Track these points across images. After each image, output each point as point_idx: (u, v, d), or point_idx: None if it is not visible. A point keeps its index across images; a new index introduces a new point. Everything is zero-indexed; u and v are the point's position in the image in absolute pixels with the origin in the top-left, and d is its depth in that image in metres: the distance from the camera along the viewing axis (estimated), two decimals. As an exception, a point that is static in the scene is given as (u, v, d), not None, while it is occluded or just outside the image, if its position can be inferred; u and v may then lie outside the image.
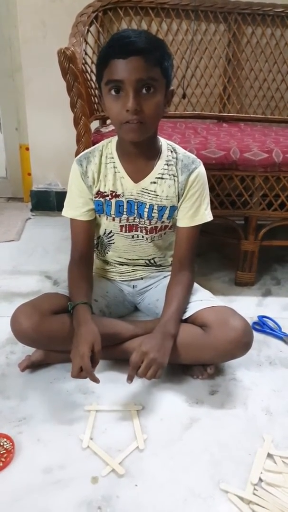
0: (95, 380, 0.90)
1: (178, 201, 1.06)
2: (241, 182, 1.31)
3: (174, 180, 1.04)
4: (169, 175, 1.04)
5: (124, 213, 1.06)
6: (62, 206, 2.21)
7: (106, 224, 1.09)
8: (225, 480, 0.81)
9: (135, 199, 1.04)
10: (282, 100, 1.78)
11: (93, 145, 1.27)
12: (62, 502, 0.76)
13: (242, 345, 0.99)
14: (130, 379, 0.92)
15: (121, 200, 1.05)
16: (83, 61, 1.42)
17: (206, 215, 1.08)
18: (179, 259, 1.09)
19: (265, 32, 1.71)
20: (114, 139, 1.04)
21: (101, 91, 0.92)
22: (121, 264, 1.18)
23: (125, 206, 1.05)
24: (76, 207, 1.06)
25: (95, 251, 1.18)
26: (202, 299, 1.08)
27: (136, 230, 1.09)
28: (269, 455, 0.86)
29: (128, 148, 0.99)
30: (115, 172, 1.03)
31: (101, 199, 1.05)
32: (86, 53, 1.50)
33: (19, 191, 2.12)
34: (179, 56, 1.70)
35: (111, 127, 1.48)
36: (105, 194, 1.04)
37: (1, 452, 0.83)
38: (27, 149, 1.97)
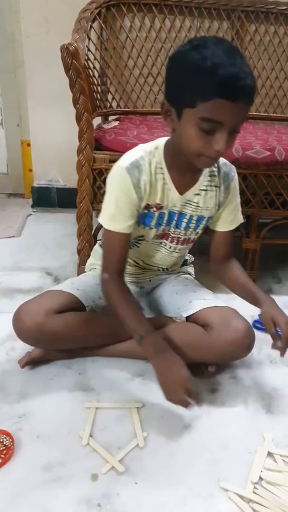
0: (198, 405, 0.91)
1: (217, 211, 1.05)
2: (243, 180, 1.30)
3: (216, 191, 1.01)
4: (212, 186, 1.01)
5: (164, 224, 1.02)
6: (63, 202, 2.20)
7: (141, 231, 1.03)
8: (225, 478, 0.81)
9: (178, 210, 1.01)
10: (285, 98, 1.78)
11: (95, 141, 1.27)
12: (62, 499, 0.76)
13: (243, 347, 0.99)
14: (283, 352, 0.92)
15: (164, 212, 0.99)
16: (86, 57, 1.41)
17: (241, 217, 1.09)
18: (225, 257, 1.10)
19: (268, 30, 1.70)
20: (160, 146, 0.95)
21: (182, 113, 0.83)
22: (135, 266, 1.16)
23: (165, 218, 1.01)
24: (124, 220, 0.94)
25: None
26: (205, 298, 1.08)
27: (166, 239, 1.06)
28: (269, 454, 0.86)
29: (182, 162, 0.91)
30: (163, 184, 0.96)
31: (145, 210, 0.98)
32: (89, 49, 1.50)
33: (20, 187, 2.11)
34: (181, 53, 1.69)
35: (114, 124, 1.47)
36: (150, 206, 0.97)
37: (1, 449, 0.83)
38: (29, 145, 1.96)
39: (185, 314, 1.06)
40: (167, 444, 0.87)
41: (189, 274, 1.23)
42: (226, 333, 0.98)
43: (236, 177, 1.04)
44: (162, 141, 0.96)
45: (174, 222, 1.02)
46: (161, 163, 0.95)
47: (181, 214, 1.01)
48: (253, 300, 1.02)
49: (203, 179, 0.99)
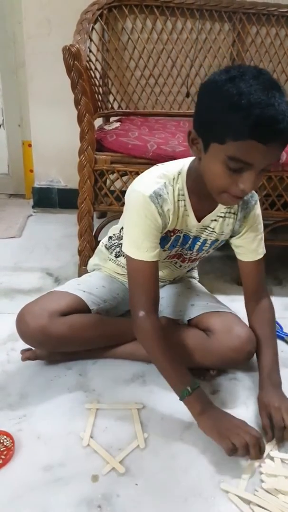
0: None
1: (232, 236, 1.02)
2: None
3: (234, 218, 0.98)
4: (230, 213, 0.97)
5: (178, 246, 1.00)
6: (64, 203, 2.20)
7: None
8: (225, 480, 0.81)
9: (193, 235, 0.99)
10: (286, 100, 1.78)
11: (97, 142, 1.27)
12: (62, 500, 0.76)
13: (244, 353, 1.00)
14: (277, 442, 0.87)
15: (179, 235, 0.97)
16: (88, 59, 1.42)
17: (263, 248, 1.03)
18: (254, 292, 1.04)
19: (270, 32, 1.70)
20: (184, 171, 0.91)
21: (209, 146, 0.78)
22: None
23: (180, 240, 0.99)
24: (151, 247, 0.89)
25: (110, 252, 1.13)
26: (207, 302, 1.08)
27: (178, 258, 1.05)
28: (270, 456, 0.85)
29: (204, 189, 0.85)
30: (184, 211, 0.93)
31: (163, 235, 0.95)
32: (90, 51, 1.50)
33: (21, 188, 2.12)
34: (183, 54, 1.70)
35: (115, 125, 1.48)
36: (169, 232, 0.95)
37: (1, 450, 0.83)
38: (30, 145, 1.96)
39: (187, 318, 1.06)
40: (168, 445, 0.87)
41: (193, 277, 1.23)
42: (228, 339, 0.98)
43: (256, 205, 0.99)
44: (186, 165, 0.91)
45: (188, 245, 1.01)
46: (183, 190, 0.91)
47: (196, 238, 0.99)
48: (259, 371, 0.98)
49: (221, 206, 0.95)
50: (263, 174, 0.79)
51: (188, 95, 1.74)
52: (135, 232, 0.89)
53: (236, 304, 1.32)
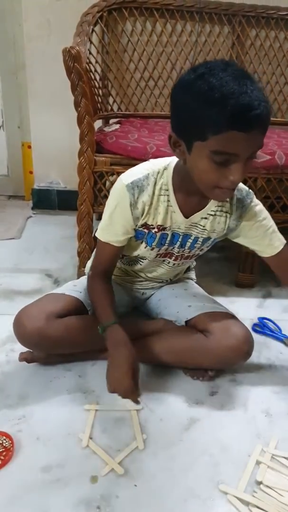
0: (137, 401, 0.91)
1: (226, 234, 1.01)
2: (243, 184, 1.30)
3: (226, 217, 0.97)
4: (222, 211, 0.97)
5: (166, 244, 1.00)
6: (64, 205, 2.20)
7: (143, 251, 1.02)
8: (224, 481, 0.81)
9: (182, 232, 0.98)
10: (285, 102, 1.79)
11: (96, 144, 1.28)
12: (61, 501, 0.76)
13: (242, 353, 1.00)
14: None
15: (167, 233, 0.97)
16: (88, 61, 1.42)
17: (280, 236, 1.01)
18: None
19: (269, 35, 1.71)
20: (170, 168, 0.91)
21: (192, 146, 0.78)
22: (138, 277, 1.15)
23: (169, 238, 0.99)
24: (115, 234, 0.96)
25: None
26: (204, 303, 1.08)
27: (170, 257, 1.05)
28: (269, 457, 0.86)
29: (191, 187, 0.86)
30: (167, 206, 0.93)
31: (145, 230, 0.96)
32: (90, 53, 1.50)
33: (20, 189, 2.12)
34: (182, 57, 1.71)
35: (115, 127, 1.48)
36: (151, 227, 0.96)
37: (0, 450, 0.83)
38: (29, 147, 1.97)
39: (184, 319, 1.06)
40: (167, 446, 0.87)
41: (190, 278, 1.24)
42: (225, 339, 0.98)
43: (253, 203, 0.97)
44: (173, 161, 0.91)
45: (178, 243, 1.00)
46: (167, 185, 0.91)
47: (186, 235, 0.99)
48: None
49: (212, 204, 0.95)
50: (250, 163, 0.79)
51: (187, 97, 1.75)
52: (106, 214, 0.96)
53: (235, 305, 1.33)
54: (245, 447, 0.88)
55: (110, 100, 1.72)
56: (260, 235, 0.99)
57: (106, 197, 1.33)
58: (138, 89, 1.73)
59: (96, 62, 1.61)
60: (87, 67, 1.37)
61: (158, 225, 0.95)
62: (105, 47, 1.67)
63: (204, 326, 1.02)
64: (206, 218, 0.97)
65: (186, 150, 0.80)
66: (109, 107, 1.72)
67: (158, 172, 0.91)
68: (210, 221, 0.97)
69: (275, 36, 1.71)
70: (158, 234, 0.97)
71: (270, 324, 1.28)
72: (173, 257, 1.05)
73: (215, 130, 0.72)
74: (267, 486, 0.80)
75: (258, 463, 0.84)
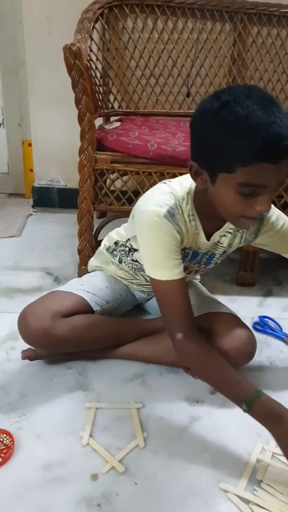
0: None
1: (242, 246, 1.00)
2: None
3: (244, 232, 0.96)
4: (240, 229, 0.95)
5: (186, 262, 0.97)
6: (64, 203, 2.20)
7: None
8: (224, 479, 0.81)
9: (203, 252, 0.97)
10: (287, 100, 1.78)
11: (97, 142, 1.27)
12: (62, 499, 0.76)
13: (245, 354, 1.00)
14: None
15: (188, 252, 0.95)
16: (88, 58, 1.42)
17: None
18: None
19: (271, 32, 1.70)
20: (191, 192, 0.87)
21: (216, 177, 0.75)
22: (146, 281, 1.12)
23: (189, 257, 0.97)
24: (176, 264, 0.85)
25: (113, 257, 1.11)
26: (208, 304, 1.08)
27: (184, 271, 1.01)
28: (269, 455, 0.86)
29: (212, 210, 0.82)
30: (195, 230, 0.90)
31: None
32: (91, 50, 1.50)
33: (21, 187, 2.11)
34: (184, 54, 1.70)
35: (115, 124, 1.48)
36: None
37: (1, 448, 0.83)
38: (30, 145, 1.96)
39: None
40: (167, 444, 0.87)
41: (195, 278, 1.23)
42: (228, 340, 0.98)
43: (269, 215, 0.94)
44: (193, 184, 0.87)
45: (196, 260, 1.00)
46: (192, 210, 0.87)
47: (204, 253, 0.98)
48: None
49: (230, 223, 0.91)
50: (277, 190, 0.76)
51: (188, 95, 1.74)
52: (156, 252, 0.85)
53: (235, 304, 1.33)
54: (246, 446, 0.88)
55: (111, 97, 1.72)
56: (280, 236, 0.98)
57: (107, 195, 1.33)
58: (139, 86, 1.73)
59: (97, 59, 1.60)
60: (88, 64, 1.36)
61: (184, 247, 0.92)
62: (106, 44, 1.66)
63: (207, 326, 1.02)
64: (224, 235, 0.95)
65: (209, 180, 0.78)
66: (110, 105, 1.71)
67: (183, 199, 0.86)
68: (228, 238, 0.96)
69: (277, 33, 1.70)
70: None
71: (271, 323, 1.28)
72: (187, 271, 1.04)
73: (243, 162, 0.70)
74: (268, 485, 0.80)
75: (258, 461, 0.84)
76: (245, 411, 0.79)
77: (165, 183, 0.90)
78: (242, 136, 0.68)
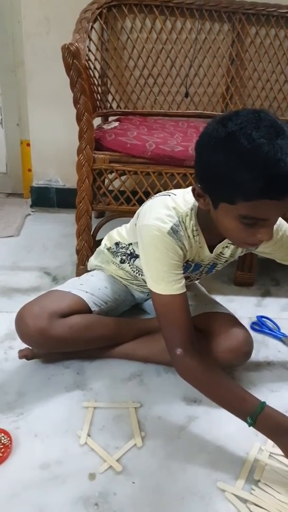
0: None
1: (242, 253, 1.00)
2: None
3: None
4: None
5: (187, 273, 0.98)
6: (62, 203, 2.20)
7: None
8: (222, 479, 0.81)
9: (205, 264, 0.98)
10: (285, 101, 1.78)
11: (95, 142, 1.28)
12: (59, 498, 0.76)
13: (242, 355, 1.00)
14: None
15: (190, 264, 0.95)
16: (87, 58, 1.42)
17: None
18: None
19: (269, 33, 1.70)
20: (195, 208, 0.86)
21: (218, 205, 0.75)
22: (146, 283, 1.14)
23: (191, 268, 0.97)
24: (178, 279, 0.85)
25: (114, 257, 1.11)
26: (206, 303, 1.08)
27: (185, 279, 1.01)
28: (267, 455, 0.86)
29: (214, 225, 0.81)
30: (198, 243, 0.90)
31: None
32: (89, 50, 1.50)
33: (19, 187, 2.11)
34: (182, 54, 1.70)
35: (114, 124, 1.48)
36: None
37: (-1, 447, 0.83)
38: (28, 144, 1.96)
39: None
40: (165, 444, 0.88)
41: None
42: (225, 340, 0.99)
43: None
44: (196, 201, 0.85)
45: (199, 271, 1.00)
46: (196, 226, 0.87)
47: (207, 264, 0.99)
48: None
49: None
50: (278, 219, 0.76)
51: (186, 95, 1.74)
52: (158, 267, 0.84)
53: (233, 304, 1.33)
54: (243, 445, 0.88)
55: (110, 97, 1.72)
56: (280, 249, 0.97)
57: (105, 195, 1.33)
58: (138, 86, 1.73)
59: (96, 59, 1.60)
60: (87, 64, 1.36)
61: (187, 260, 0.93)
62: (105, 44, 1.66)
63: (204, 326, 1.02)
64: (227, 247, 0.96)
65: (211, 204, 0.77)
66: (109, 105, 1.71)
67: (186, 215, 0.86)
68: (230, 250, 0.96)
69: (275, 34, 1.70)
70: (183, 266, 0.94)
71: (269, 323, 1.28)
72: (188, 279, 1.04)
73: (245, 197, 0.68)
74: (265, 484, 0.80)
75: (255, 461, 0.85)
76: (250, 425, 0.79)
77: (169, 195, 0.89)
78: (245, 172, 0.66)
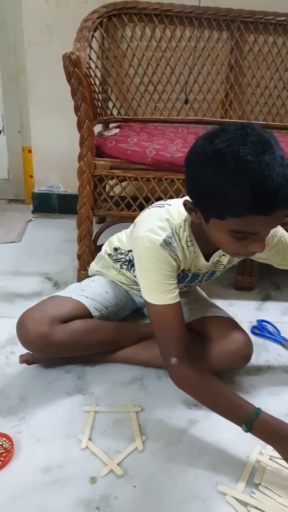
0: None
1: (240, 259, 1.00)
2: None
3: None
4: None
5: (185, 282, 1.00)
6: (64, 208, 2.22)
7: None
8: (223, 482, 0.81)
9: (202, 273, 0.99)
10: (283, 107, 1.80)
11: (96, 148, 1.29)
12: (61, 502, 0.76)
13: (241, 358, 1.01)
14: None
15: (187, 273, 0.97)
16: (88, 66, 1.44)
17: None
18: None
19: (267, 40, 1.72)
20: (189, 219, 0.87)
21: (209, 220, 0.76)
22: None
23: (188, 278, 0.98)
24: (172, 289, 0.85)
25: (114, 262, 1.11)
26: (206, 307, 1.08)
27: (184, 287, 1.03)
28: (267, 458, 0.86)
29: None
30: (193, 253, 0.91)
31: None
32: (90, 58, 1.52)
33: (21, 193, 2.13)
34: (181, 62, 1.72)
35: (114, 131, 1.49)
36: (178, 274, 0.93)
37: (0, 452, 0.83)
38: (30, 151, 1.98)
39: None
40: (165, 447, 0.88)
41: None
42: (225, 344, 0.99)
43: (271, 234, 0.91)
44: None
45: (197, 280, 1.01)
46: (190, 237, 0.88)
47: (205, 273, 1.00)
48: None
49: None
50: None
51: (186, 102, 1.76)
52: (152, 277, 0.85)
53: (234, 308, 1.34)
54: (243, 449, 0.88)
55: (110, 104, 1.74)
56: (276, 254, 0.98)
57: (106, 200, 1.35)
58: (138, 93, 1.75)
59: (96, 67, 1.62)
60: (87, 72, 1.38)
61: (183, 270, 0.94)
62: (105, 52, 1.68)
63: (204, 330, 1.03)
64: (224, 254, 0.96)
65: (202, 219, 0.78)
66: (109, 112, 1.73)
67: (180, 227, 0.87)
68: (227, 257, 0.97)
69: (274, 41, 1.73)
70: (179, 276, 0.94)
71: (269, 327, 1.29)
72: (187, 287, 1.05)
73: (234, 214, 0.68)
74: (266, 487, 0.80)
75: (256, 464, 0.85)
76: (245, 431, 0.79)
77: (163, 205, 0.90)
78: (233, 190, 0.66)
